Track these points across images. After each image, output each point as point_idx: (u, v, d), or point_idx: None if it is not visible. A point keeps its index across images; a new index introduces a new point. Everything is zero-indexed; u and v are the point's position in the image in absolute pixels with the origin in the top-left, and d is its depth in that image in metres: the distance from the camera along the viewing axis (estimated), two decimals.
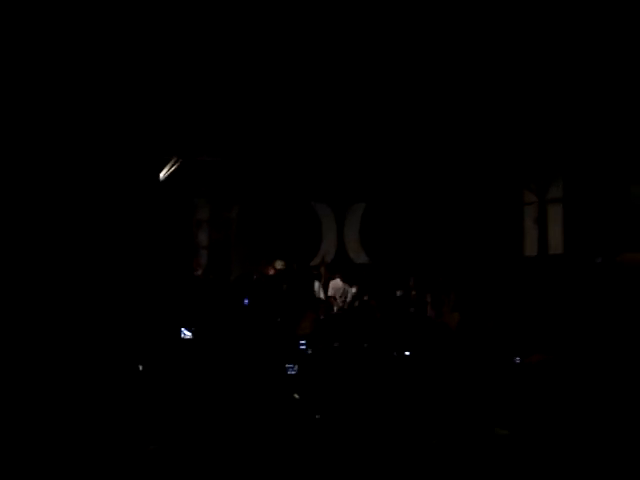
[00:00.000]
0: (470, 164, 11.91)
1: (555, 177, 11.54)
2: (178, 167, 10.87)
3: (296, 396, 8.37)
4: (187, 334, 9.71)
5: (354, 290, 11.83)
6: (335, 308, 11.53)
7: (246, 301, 10.19)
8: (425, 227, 12.44)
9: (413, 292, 11.00)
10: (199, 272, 11.21)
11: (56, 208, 10.32)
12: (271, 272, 10.88)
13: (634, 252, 10.20)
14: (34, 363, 8.38)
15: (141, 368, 9.09)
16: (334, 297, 11.77)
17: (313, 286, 11.50)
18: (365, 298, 11.62)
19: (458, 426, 7.44)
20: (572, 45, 9.60)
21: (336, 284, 11.90)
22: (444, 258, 12.00)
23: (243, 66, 9.82)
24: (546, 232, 11.55)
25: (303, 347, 9.38)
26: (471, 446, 6.61)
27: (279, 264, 11.10)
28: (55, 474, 5.99)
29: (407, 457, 6.43)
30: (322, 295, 11.84)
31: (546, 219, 11.58)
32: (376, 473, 6.09)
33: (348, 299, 11.74)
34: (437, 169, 12.18)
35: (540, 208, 11.66)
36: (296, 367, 9.07)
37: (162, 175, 10.70)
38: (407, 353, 9.48)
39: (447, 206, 12.27)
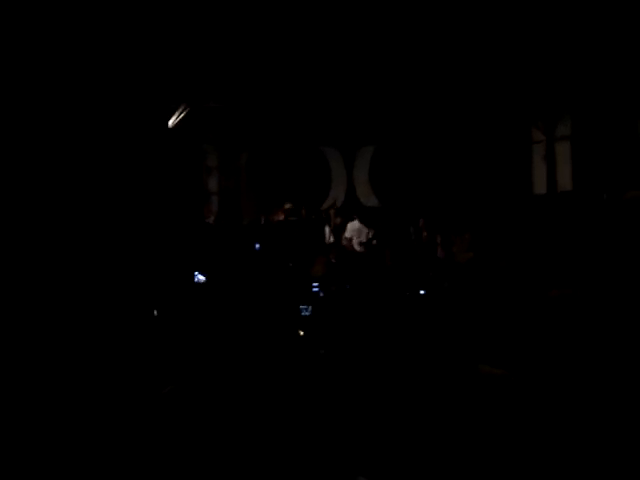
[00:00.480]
0: (477, 104, 11.89)
1: (563, 115, 11.52)
2: (186, 114, 10.90)
3: (301, 333, 8.53)
4: (201, 278, 9.82)
5: (371, 233, 11.85)
6: (357, 247, 11.60)
7: (257, 246, 10.28)
8: (434, 168, 12.45)
9: (424, 233, 11.06)
10: (211, 219, 11.27)
11: (67, 158, 10.41)
12: (280, 217, 10.94)
13: None
14: (52, 306, 8.54)
15: (156, 313, 9.23)
16: (351, 238, 11.83)
17: (324, 230, 11.54)
18: (374, 242, 11.70)
19: (452, 363, 7.59)
20: None
21: (353, 225, 11.94)
22: (453, 199, 12.04)
23: (249, 13, 9.82)
24: (555, 170, 11.56)
25: (316, 289, 9.48)
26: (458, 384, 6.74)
27: (287, 206, 11.14)
28: (71, 416, 6.12)
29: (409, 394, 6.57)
30: (332, 239, 11.90)
31: (554, 157, 11.59)
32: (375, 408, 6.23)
33: (363, 240, 11.78)
34: (444, 109, 12.16)
35: (548, 146, 11.66)
36: (310, 308, 9.22)
37: (171, 123, 10.74)
38: (422, 292, 9.62)
39: (455, 146, 12.26)
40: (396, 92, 11.96)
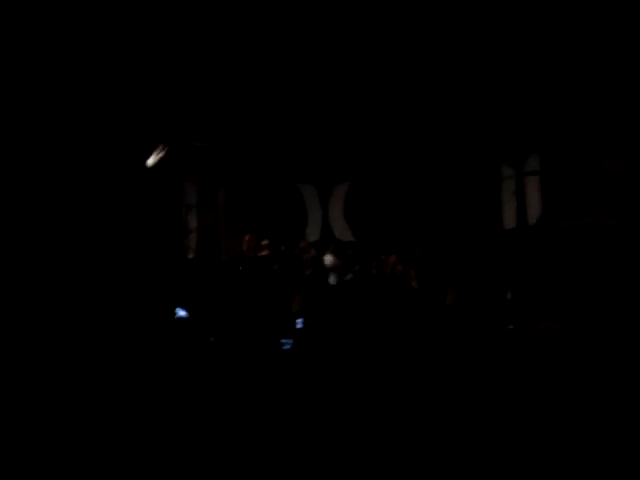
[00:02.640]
0: (449, 140, 12.17)
1: (532, 150, 11.83)
2: (165, 153, 11.08)
3: None
4: (182, 313, 9.95)
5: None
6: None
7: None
8: (407, 204, 12.67)
9: (398, 267, 11.22)
10: (190, 255, 11.42)
11: (50, 197, 10.56)
12: (263, 253, 11.03)
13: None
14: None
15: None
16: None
17: (302, 266, 11.63)
18: (348, 277, 11.81)
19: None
20: (548, 20, 9.92)
21: (328, 259, 11.95)
22: (427, 234, 12.25)
23: (230, 52, 10.03)
24: (524, 204, 11.84)
25: (300, 325, 9.66)
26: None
27: (264, 242, 11.22)
28: None
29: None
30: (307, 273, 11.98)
31: (524, 191, 11.89)
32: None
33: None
34: (417, 147, 12.41)
35: (518, 181, 11.96)
36: (291, 342, 9.43)
37: (151, 161, 10.91)
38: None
39: (427, 183, 12.51)
40: (370, 131, 12.22)
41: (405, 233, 12.39)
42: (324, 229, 13.38)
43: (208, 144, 12.16)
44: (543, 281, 10.60)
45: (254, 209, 12.97)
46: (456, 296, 10.44)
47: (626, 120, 10.61)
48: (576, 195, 11.06)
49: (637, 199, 10.54)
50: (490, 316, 9.98)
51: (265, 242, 11.21)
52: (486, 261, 11.27)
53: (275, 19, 10.10)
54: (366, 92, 11.25)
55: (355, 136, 12.41)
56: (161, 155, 11.05)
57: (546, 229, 11.39)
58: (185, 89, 10.90)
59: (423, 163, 12.52)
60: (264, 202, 13.04)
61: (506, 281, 10.79)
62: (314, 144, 12.56)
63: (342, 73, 10.95)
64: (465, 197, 12.19)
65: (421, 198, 12.54)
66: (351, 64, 10.86)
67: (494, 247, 11.66)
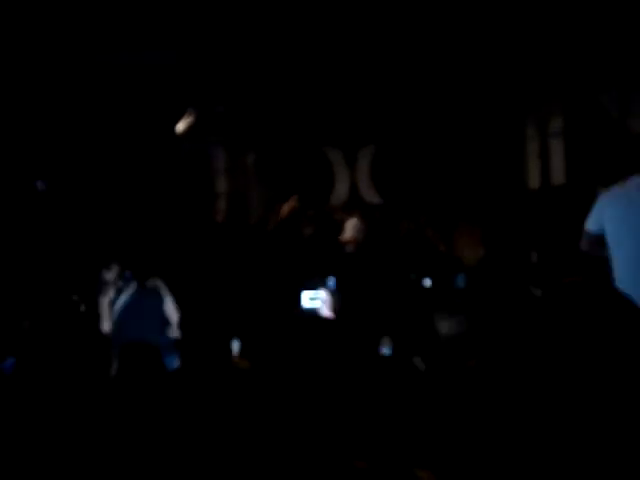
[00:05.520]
0: (474, 103, 12.24)
1: (556, 112, 11.88)
2: (194, 120, 11.30)
3: None
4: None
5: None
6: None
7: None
8: (431, 166, 12.79)
9: (427, 229, 11.29)
10: (219, 217, 11.61)
11: (81, 167, 10.82)
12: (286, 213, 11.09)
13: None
14: None
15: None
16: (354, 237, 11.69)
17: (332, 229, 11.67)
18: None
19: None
20: None
21: (353, 223, 11.70)
22: (452, 196, 12.37)
23: (250, 17, 10.16)
24: (548, 165, 11.92)
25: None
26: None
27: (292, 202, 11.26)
28: None
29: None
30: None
31: (548, 152, 11.95)
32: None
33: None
34: (441, 109, 12.49)
35: (542, 142, 12.02)
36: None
37: (180, 128, 11.14)
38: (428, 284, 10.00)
39: (452, 145, 12.60)
40: (394, 94, 12.31)
41: (431, 195, 12.52)
42: (352, 192, 13.52)
43: (234, 109, 12.35)
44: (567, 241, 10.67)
45: (282, 173, 13.14)
46: (479, 256, 10.57)
47: None
48: (600, 156, 11.09)
49: None
50: (515, 277, 10.10)
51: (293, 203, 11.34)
52: (511, 221, 11.38)
53: None
54: (388, 56, 11.30)
55: (379, 100, 12.52)
56: (190, 121, 11.29)
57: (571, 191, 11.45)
58: (210, 56, 11.06)
59: (448, 125, 12.60)
60: (292, 166, 13.20)
61: (531, 242, 10.88)
62: (340, 109, 12.69)
63: (366, 40, 11.01)
64: (491, 158, 12.28)
65: (445, 160, 12.64)
66: (376, 30, 10.92)
67: (519, 207, 11.76)
